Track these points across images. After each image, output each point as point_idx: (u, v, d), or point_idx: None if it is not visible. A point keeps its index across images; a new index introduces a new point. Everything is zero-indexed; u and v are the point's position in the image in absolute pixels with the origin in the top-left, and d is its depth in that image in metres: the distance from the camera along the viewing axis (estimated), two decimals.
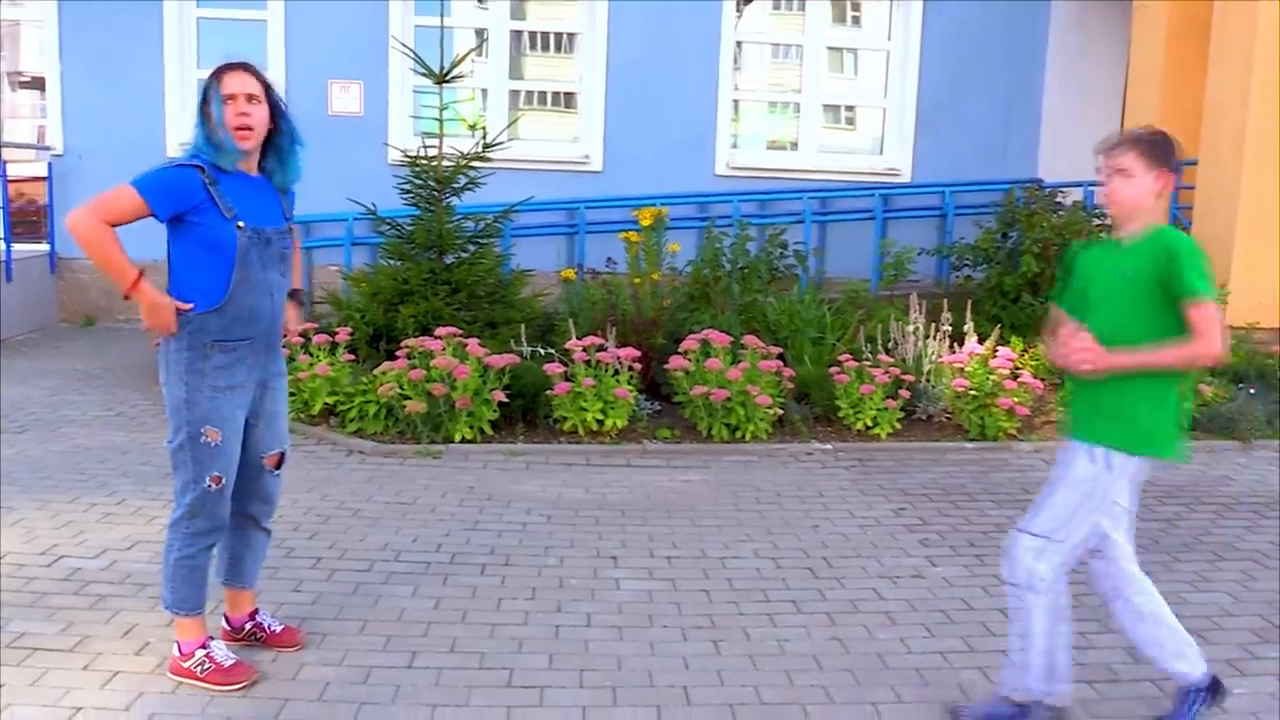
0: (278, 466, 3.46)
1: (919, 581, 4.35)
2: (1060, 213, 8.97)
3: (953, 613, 4.04)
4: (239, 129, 3.14)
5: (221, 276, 3.13)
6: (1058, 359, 3.13)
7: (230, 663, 3.31)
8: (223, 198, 3.11)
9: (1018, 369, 7.00)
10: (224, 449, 3.20)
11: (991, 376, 6.69)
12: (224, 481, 3.24)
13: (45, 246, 9.99)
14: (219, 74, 3.17)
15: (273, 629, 3.57)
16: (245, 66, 3.20)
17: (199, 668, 3.28)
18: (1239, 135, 8.36)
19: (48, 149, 10.13)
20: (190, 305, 3.13)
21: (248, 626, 3.56)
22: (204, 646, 3.32)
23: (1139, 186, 3.04)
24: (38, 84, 11.47)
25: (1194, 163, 9.03)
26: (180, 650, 3.32)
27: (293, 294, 3.49)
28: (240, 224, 3.13)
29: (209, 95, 3.14)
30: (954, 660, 3.64)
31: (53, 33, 9.94)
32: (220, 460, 3.20)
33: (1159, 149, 3.05)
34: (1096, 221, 8.99)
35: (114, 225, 3.07)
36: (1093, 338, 3.01)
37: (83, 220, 3.04)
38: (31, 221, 10.54)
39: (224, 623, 3.57)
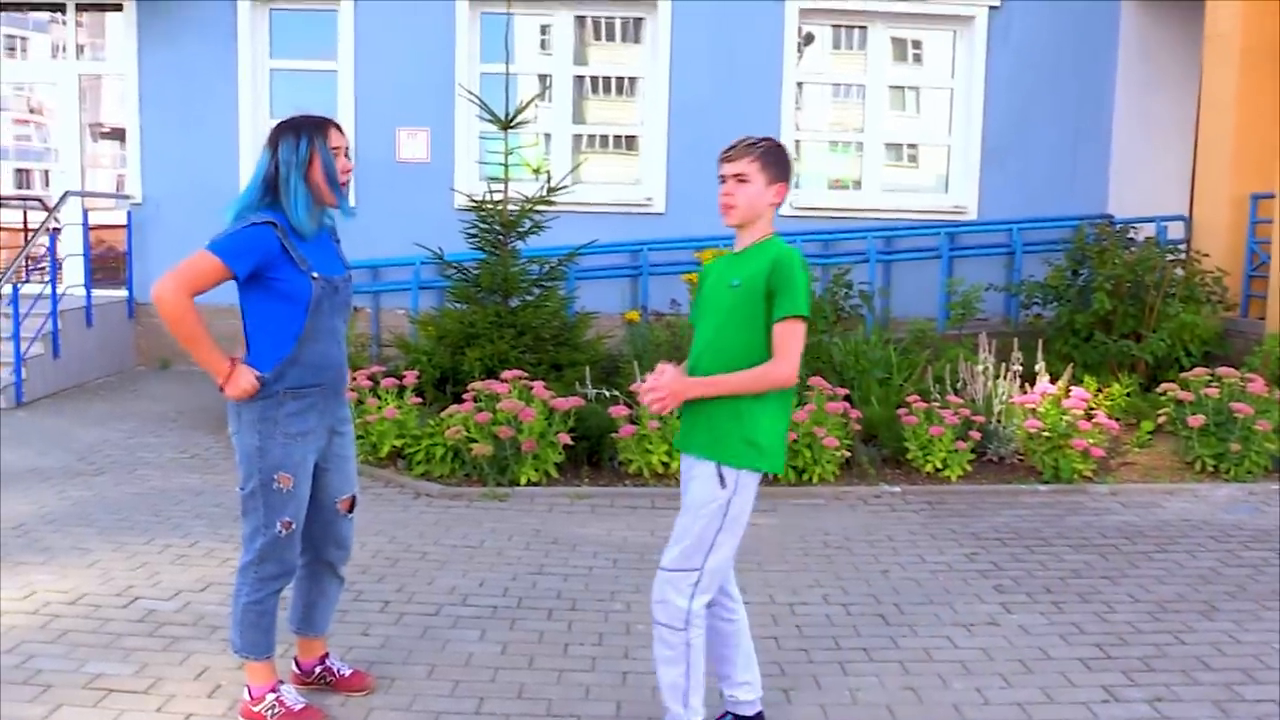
0: (350, 510, 3.48)
1: (994, 629, 4.24)
2: (1132, 249, 8.81)
3: (1030, 661, 3.93)
4: (342, 182, 3.24)
5: (295, 326, 3.18)
6: (642, 400, 3.14)
7: (300, 706, 3.32)
8: (296, 249, 3.16)
9: (1092, 409, 6.84)
10: (295, 494, 3.24)
11: (1065, 417, 6.55)
12: (294, 527, 3.26)
13: (124, 292, 10.29)
14: (324, 128, 3.22)
15: (342, 673, 3.58)
16: (336, 123, 3.29)
17: (269, 711, 3.29)
18: None
19: (127, 198, 10.46)
20: (265, 372, 3.17)
21: (317, 670, 3.57)
22: (274, 690, 3.33)
23: (755, 194, 3.06)
24: (117, 134, 11.87)
25: (1272, 195, 8.81)
26: (251, 694, 3.34)
27: None
28: (315, 275, 3.18)
29: (314, 150, 3.17)
30: (1032, 711, 3.53)
31: (133, 85, 10.30)
32: (291, 505, 3.24)
33: (778, 160, 3.09)
34: (1171, 257, 8.81)
35: (197, 294, 3.11)
36: (674, 373, 3.05)
37: (168, 296, 3.07)
38: (111, 268, 10.86)
39: (294, 666, 3.59)
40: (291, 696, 3.35)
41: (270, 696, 3.31)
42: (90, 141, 11.45)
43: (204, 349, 3.14)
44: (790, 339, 2.98)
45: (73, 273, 9.71)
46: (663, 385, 3.02)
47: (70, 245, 9.71)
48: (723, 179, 3.09)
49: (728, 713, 3.29)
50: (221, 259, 3.09)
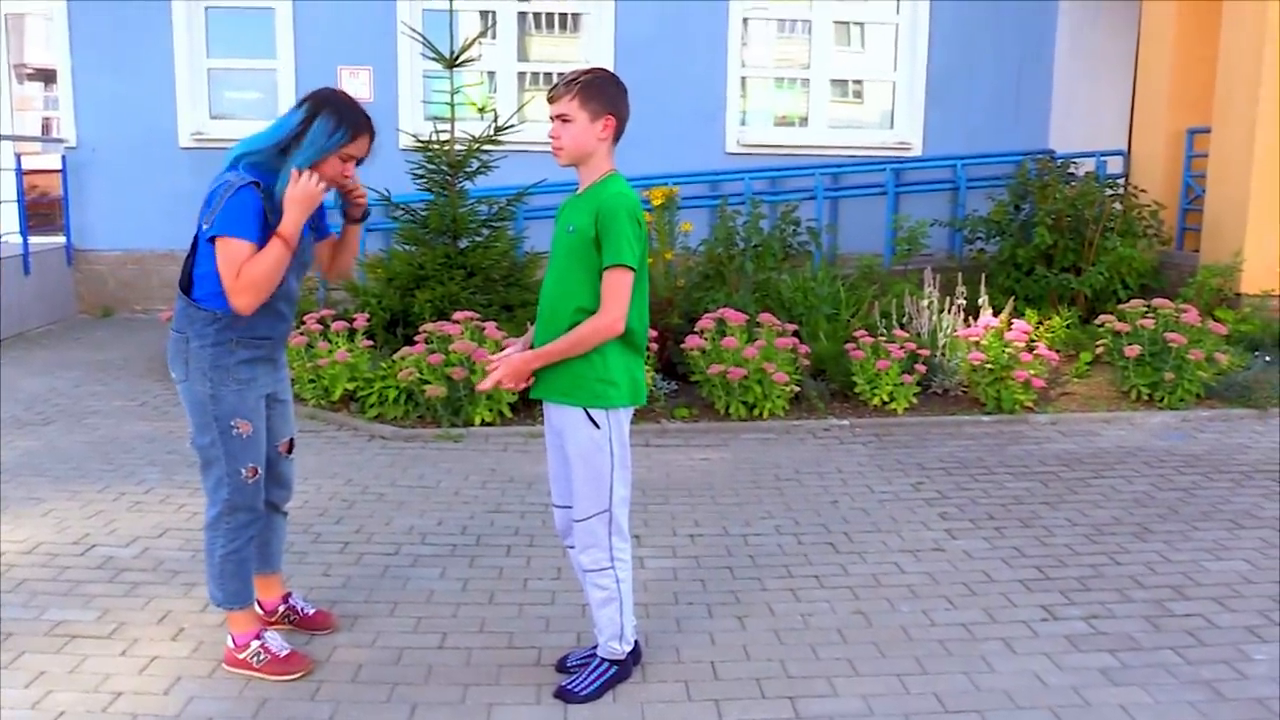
0: (289, 451, 3.53)
1: (939, 555, 4.39)
2: (1073, 184, 8.96)
3: (974, 584, 4.08)
4: (335, 185, 3.21)
5: None
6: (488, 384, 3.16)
7: (285, 652, 3.34)
8: (274, 212, 3.11)
9: (1033, 341, 7.01)
10: (255, 440, 3.25)
11: (1007, 349, 6.71)
12: (259, 472, 3.28)
13: (61, 239, 10.07)
14: (362, 132, 3.16)
15: (306, 612, 3.63)
16: (374, 132, 3.23)
17: (255, 659, 3.31)
18: (1252, 102, 8.32)
19: (61, 141, 10.19)
20: (220, 310, 3.15)
21: (281, 609, 3.62)
22: (258, 637, 3.35)
23: (580, 132, 3.01)
24: (43, 76, 11.50)
25: (1208, 130, 8.99)
26: (235, 643, 3.35)
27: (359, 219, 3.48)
28: None
29: (332, 140, 3.11)
30: (976, 631, 3.68)
31: (62, 25, 9.97)
32: (253, 451, 3.25)
33: (600, 92, 3.02)
34: (1110, 192, 8.98)
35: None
36: (513, 351, 3.14)
37: (246, 301, 3.03)
38: (44, 214, 10.61)
39: (257, 607, 3.63)
40: (276, 643, 3.36)
41: (254, 644, 3.33)
42: (15, 84, 11.11)
43: (274, 251, 3.05)
44: (613, 289, 2.96)
45: (7, 220, 9.46)
46: (503, 368, 3.08)
47: (3, 191, 9.46)
48: (551, 120, 3.03)
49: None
50: (246, 238, 3.03)
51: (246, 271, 3.02)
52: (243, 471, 3.24)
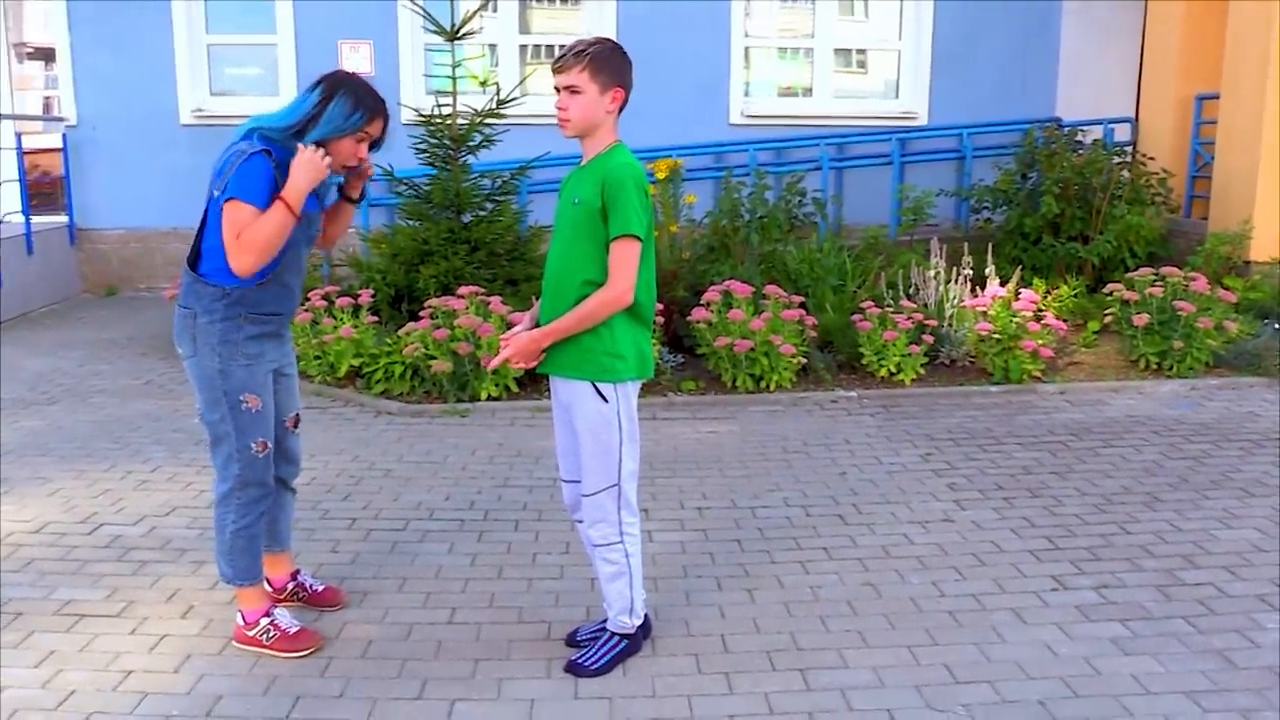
0: (295, 426, 3.52)
1: (948, 525, 4.38)
2: (1080, 152, 8.90)
3: (983, 555, 4.07)
4: (348, 165, 3.21)
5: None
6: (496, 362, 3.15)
7: (295, 629, 3.34)
8: (281, 181, 3.09)
9: (1041, 311, 6.97)
10: (264, 414, 3.24)
11: (1014, 319, 6.67)
12: (269, 447, 3.27)
13: (64, 218, 10.03)
14: (376, 115, 3.15)
15: (315, 589, 3.63)
16: (388, 114, 3.22)
17: (264, 636, 3.32)
18: (1262, 68, 8.23)
19: (60, 120, 10.13)
20: (227, 285, 3.13)
21: (290, 587, 3.61)
22: (268, 615, 3.35)
23: (588, 104, 2.98)
24: (43, 55, 11.44)
25: (1217, 97, 8.90)
26: (244, 619, 3.35)
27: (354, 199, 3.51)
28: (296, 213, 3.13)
29: (350, 121, 3.10)
30: (986, 601, 3.67)
31: (60, 4, 9.89)
32: (262, 425, 3.24)
33: (609, 63, 2.97)
34: (1117, 160, 8.91)
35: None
36: (521, 330, 3.10)
37: (248, 265, 3.00)
38: (47, 194, 10.57)
39: (265, 585, 3.62)
40: (286, 619, 3.37)
41: (264, 621, 3.33)
42: (16, 63, 11.04)
43: (277, 215, 3.01)
44: (621, 259, 2.93)
45: (9, 199, 9.43)
46: (512, 347, 3.05)
47: (5, 170, 9.42)
48: (557, 90, 2.99)
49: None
50: (253, 203, 3.00)
51: (248, 234, 3.00)
52: (253, 446, 3.23)
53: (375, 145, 3.26)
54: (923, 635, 3.44)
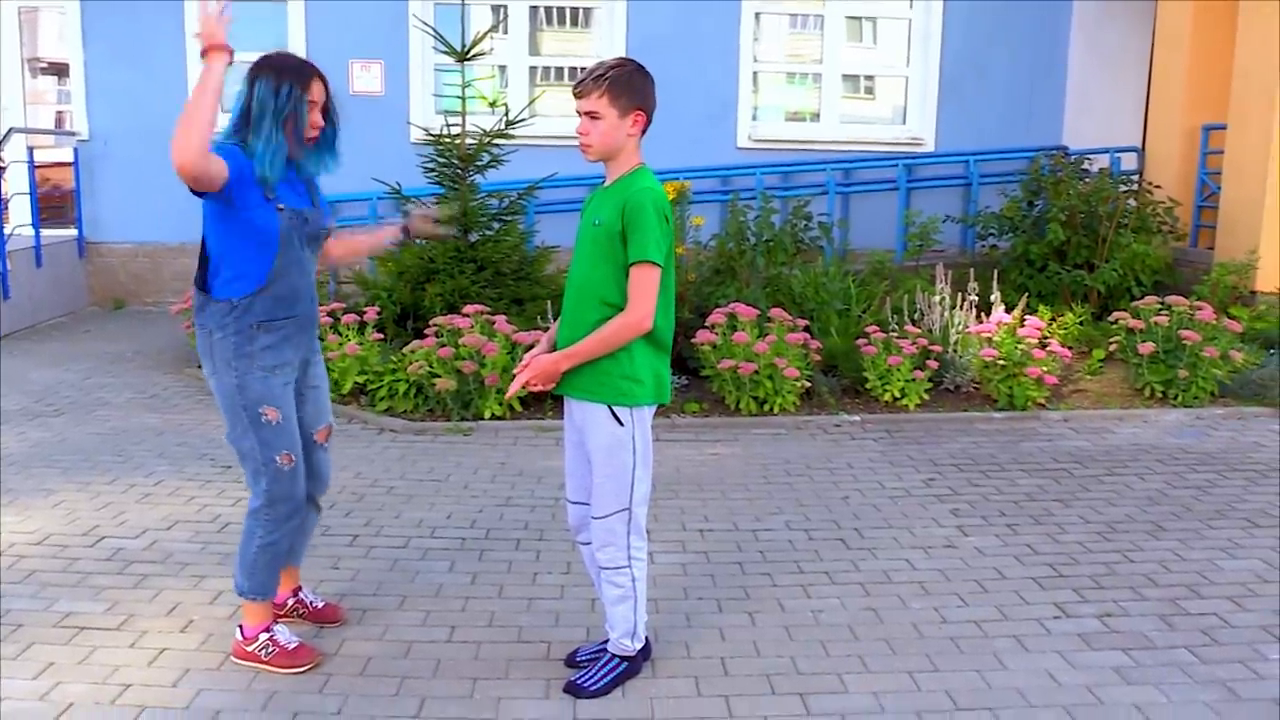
0: (326, 440, 3.50)
1: (951, 551, 4.36)
2: (1087, 180, 8.91)
3: (986, 581, 4.05)
4: (310, 139, 3.21)
5: (265, 258, 3.14)
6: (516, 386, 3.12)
7: (294, 645, 3.33)
8: (259, 184, 3.10)
9: (1046, 338, 6.97)
10: (285, 427, 3.22)
11: (1019, 346, 6.67)
12: (295, 460, 3.24)
13: (73, 231, 10.08)
14: (306, 79, 3.14)
15: (315, 605, 3.62)
16: (321, 74, 3.21)
17: (263, 651, 3.30)
18: (1269, 100, 8.26)
19: (72, 134, 10.20)
20: (235, 298, 3.15)
21: (290, 603, 3.60)
22: (268, 630, 3.34)
23: (610, 128, 2.95)
24: (56, 70, 11.54)
25: (1223, 127, 8.93)
26: (244, 634, 3.34)
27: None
28: (280, 206, 3.15)
29: (293, 100, 3.10)
30: (988, 628, 3.65)
31: (75, 20, 9.99)
32: (285, 438, 3.21)
33: (629, 85, 2.94)
34: (1124, 188, 8.93)
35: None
36: (538, 353, 3.10)
37: (177, 139, 2.93)
38: (57, 207, 10.62)
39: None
40: (285, 635, 3.36)
41: (264, 636, 3.32)
42: (30, 77, 11.12)
43: (201, 99, 2.96)
44: (641, 285, 2.92)
45: (19, 212, 9.49)
46: (531, 369, 3.04)
47: (16, 184, 9.47)
48: (579, 114, 2.97)
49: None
50: (217, 153, 2.98)
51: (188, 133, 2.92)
52: (277, 459, 3.21)
53: (328, 112, 3.23)
54: (924, 661, 3.42)
